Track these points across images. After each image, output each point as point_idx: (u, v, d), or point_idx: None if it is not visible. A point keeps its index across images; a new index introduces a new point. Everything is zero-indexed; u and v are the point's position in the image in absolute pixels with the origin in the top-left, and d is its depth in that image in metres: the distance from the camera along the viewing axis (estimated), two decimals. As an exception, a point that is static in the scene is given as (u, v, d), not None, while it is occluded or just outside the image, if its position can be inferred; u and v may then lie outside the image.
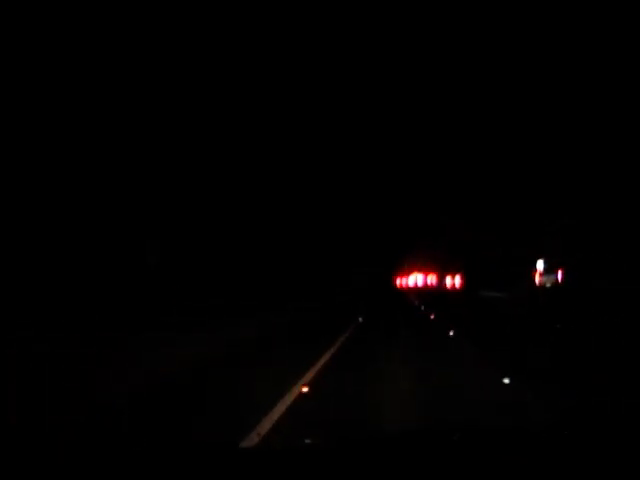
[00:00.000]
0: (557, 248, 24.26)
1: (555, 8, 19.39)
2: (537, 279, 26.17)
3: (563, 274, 23.42)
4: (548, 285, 24.74)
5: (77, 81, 12.83)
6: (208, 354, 9.54)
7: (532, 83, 23.25)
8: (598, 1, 18.84)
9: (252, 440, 4.65)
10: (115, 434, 4.98)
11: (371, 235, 56.66)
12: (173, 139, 16.98)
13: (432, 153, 38.27)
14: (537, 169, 26.48)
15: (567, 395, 6.49)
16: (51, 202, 12.73)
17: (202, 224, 19.01)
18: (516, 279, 27.33)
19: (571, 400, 6.16)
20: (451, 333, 14.22)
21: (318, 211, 35.43)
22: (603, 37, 19.12)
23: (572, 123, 22.76)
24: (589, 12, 18.85)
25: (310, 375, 7.93)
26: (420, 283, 64.46)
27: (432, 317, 20.71)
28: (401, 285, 71.02)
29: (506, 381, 7.33)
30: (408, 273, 69.93)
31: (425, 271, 62.48)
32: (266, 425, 5.17)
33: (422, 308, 27.86)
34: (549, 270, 24.95)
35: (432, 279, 59.00)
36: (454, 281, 46.09)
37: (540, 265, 26.00)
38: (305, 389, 6.88)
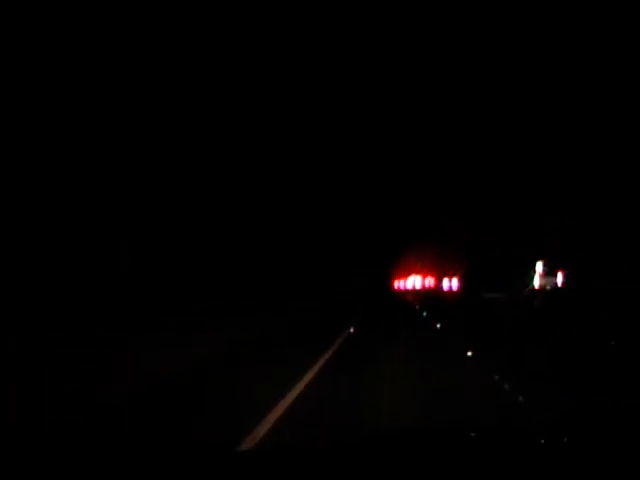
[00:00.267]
0: (557, 248, 24.22)
1: (555, 8, 19.40)
2: (537, 281, 26.10)
3: (563, 276, 23.41)
4: (548, 287, 24.69)
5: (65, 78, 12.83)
6: (208, 354, 9.54)
7: (532, 83, 23.27)
8: (598, 1, 18.85)
9: (249, 443, 4.66)
10: (115, 434, 4.98)
11: (371, 235, 56.69)
12: (175, 139, 16.99)
13: (432, 153, 38.30)
14: (537, 169, 26.49)
15: (567, 395, 6.49)
16: (50, 201, 12.73)
17: (202, 224, 19.02)
18: (515, 280, 27.28)
19: (571, 400, 6.16)
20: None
21: (318, 211, 35.44)
22: (603, 37, 19.13)
23: (572, 123, 22.76)
24: (589, 12, 18.86)
25: (310, 376, 7.96)
26: (418, 285, 64.78)
27: (425, 314, 21.38)
28: (399, 287, 71.32)
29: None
30: (407, 275, 70.30)
31: (423, 273, 62.76)
32: (265, 427, 5.19)
33: (419, 309, 28.27)
34: (549, 272, 24.92)
35: (430, 281, 59.24)
36: (451, 283, 46.26)
37: (539, 267, 25.93)
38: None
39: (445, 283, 48.88)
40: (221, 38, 18.18)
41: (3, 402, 5.64)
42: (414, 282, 67.15)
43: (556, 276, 24.00)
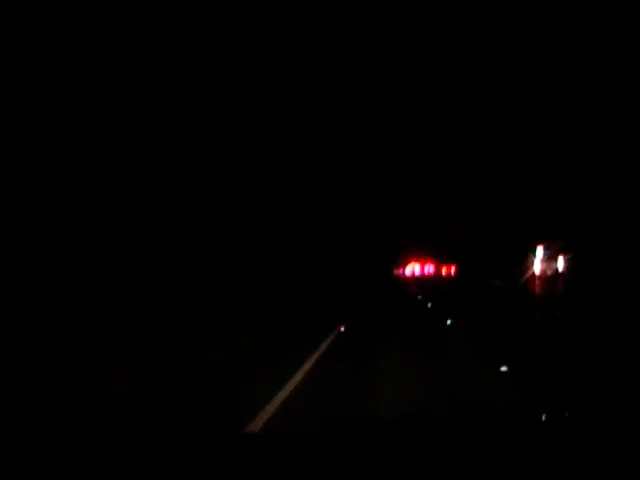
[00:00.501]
0: (558, 235, 24.03)
1: (555, 8, 19.39)
2: (537, 267, 25.73)
3: (564, 260, 23.08)
4: (549, 273, 24.35)
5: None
6: (208, 354, 9.55)
7: (532, 83, 23.26)
8: (598, 1, 18.84)
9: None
10: (115, 434, 4.98)
11: (371, 235, 56.69)
12: (174, 139, 16.99)
13: (432, 153, 38.29)
14: (537, 169, 26.48)
15: (567, 395, 6.49)
16: (50, 201, 12.73)
17: (202, 225, 19.01)
18: (512, 267, 27.19)
19: (571, 400, 6.16)
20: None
21: (318, 212, 35.44)
22: (603, 37, 19.13)
23: (572, 123, 22.76)
24: (589, 12, 18.85)
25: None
26: (417, 272, 66.13)
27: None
28: (399, 275, 72.23)
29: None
30: (405, 268, 71.54)
31: (422, 262, 63.93)
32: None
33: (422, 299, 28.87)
34: (550, 257, 24.51)
35: (429, 268, 60.30)
36: (450, 270, 47.36)
37: (540, 252, 25.56)
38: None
39: (444, 270, 49.80)
40: (221, 38, 18.18)
41: (3, 402, 5.64)
42: (413, 269, 68.60)
43: (557, 261, 23.70)
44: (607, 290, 17.38)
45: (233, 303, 17.35)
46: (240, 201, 21.92)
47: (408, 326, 17.11)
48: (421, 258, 63.81)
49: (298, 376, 7.87)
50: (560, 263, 23.17)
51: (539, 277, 24.68)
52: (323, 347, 11.35)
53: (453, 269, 44.93)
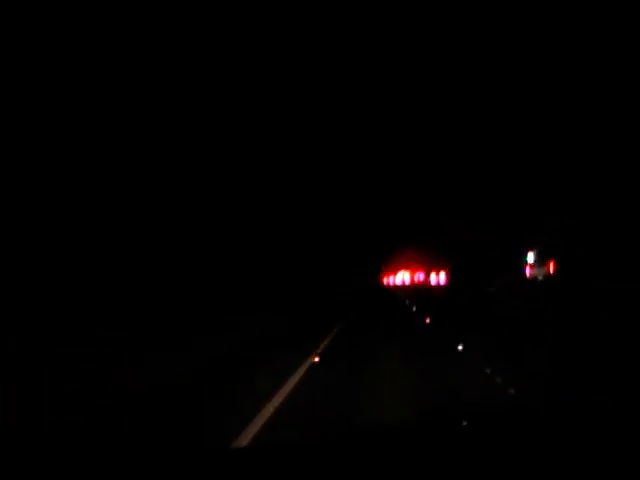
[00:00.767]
0: (549, 240, 24.01)
1: (555, 8, 19.39)
2: (528, 272, 25.74)
3: (555, 266, 23.07)
4: (540, 278, 24.33)
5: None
6: (208, 354, 9.55)
7: (532, 83, 23.26)
8: (598, 1, 18.84)
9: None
10: (115, 434, 4.98)
11: (371, 236, 56.73)
12: (174, 140, 16.99)
13: (431, 153, 38.28)
14: (537, 169, 26.47)
15: (567, 395, 6.49)
16: (51, 201, 12.73)
17: (201, 226, 19.01)
18: (508, 270, 27.19)
19: (571, 400, 6.16)
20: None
21: (318, 212, 35.45)
22: (603, 37, 19.12)
23: (572, 123, 22.75)
24: (589, 12, 18.85)
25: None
26: (407, 281, 65.87)
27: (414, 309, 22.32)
28: (394, 284, 72.27)
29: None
30: (397, 272, 71.62)
31: (413, 269, 63.59)
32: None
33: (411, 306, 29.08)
34: (540, 262, 24.48)
35: (419, 276, 60.03)
36: (439, 278, 46.85)
37: (531, 257, 25.56)
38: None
39: (432, 278, 49.55)
40: (221, 38, 18.18)
41: (3, 402, 5.64)
42: (403, 278, 68.51)
43: (548, 266, 23.67)
44: (607, 290, 17.36)
45: (233, 303, 17.36)
46: (240, 202, 21.92)
47: (407, 326, 17.12)
48: (413, 265, 63.27)
49: (297, 376, 7.87)
50: (551, 268, 23.23)
51: (530, 281, 24.76)
52: (323, 348, 11.35)
53: (444, 277, 44.53)
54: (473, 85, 26.97)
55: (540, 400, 6.16)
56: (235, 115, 20.33)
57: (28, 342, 7.85)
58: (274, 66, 21.88)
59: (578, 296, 17.91)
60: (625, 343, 11.08)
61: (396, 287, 64.31)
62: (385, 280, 76.39)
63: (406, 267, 66.63)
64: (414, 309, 26.00)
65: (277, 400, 6.27)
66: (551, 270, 23.15)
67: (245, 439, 4.77)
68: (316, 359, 9.64)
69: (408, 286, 61.23)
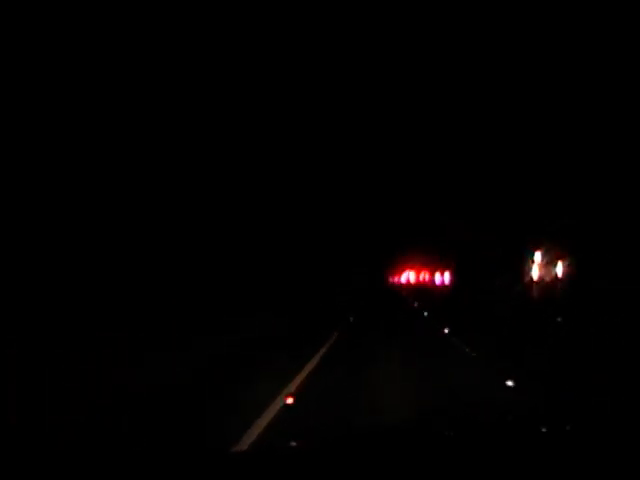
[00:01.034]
0: (557, 242, 23.87)
1: (555, 8, 19.38)
2: (535, 272, 25.47)
3: (564, 266, 22.78)
4: (547, 279, 24.09)
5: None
6: (208, 354, 9.55)
7: (531, 83, 23.24)
8: (598, 1, 18.83)
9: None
10: (115, 434, 4.98)
11: (371, 236, 56.71)
12: (173, 140, 16.99)
13: (431, 154, 38.27)
14: (537, 169, 26.45)
15: (567, 395, 6.49)
16: (51, 201, 12.73)
17: (202, 226, 19.01)
18: (510, 271, 27.08)
19: (571, 400, 6.16)
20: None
21: (318, 212, 35.44)
22: (603, 37, 19.11)
23: (572, 123, 22.74)
24: (589, 12, 18.84)
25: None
26: (413, 280, 65.96)
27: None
28: (396, 283, 72.31)
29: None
30: (402, 271, 71.63)
31: (418, 269, 63.70)
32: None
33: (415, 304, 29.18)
34: (548, 262, 24.17)
35: (424, 276, 60.13)
36: (443, 278, 46.87)
37: (538, 257, 25.27)
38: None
39: (437, 277, 49.65)
40: (221, 38, 18.18)
41: (3, 402, 5.64)
42: (408, 277, 68.61)
43: (556, 266, 23.38)
44: (607, 290, 17.37)
45: (233, 303, 17.37)
46: (241, 203, 21.93)
47: (407, 328, 17.13)
48: (416, 265, 63.48)
49: (297, 377, 7.87)
50: (559, 268, 22.97)
51: (537, 283, 24.56)
52: (323, 348, 11.34)
53: (448, 277, 44.61)
54: (473, 86, 26.97)
55: (540, 400, 6.17)
56: (235, 115, 20.33)
57: (28, 342, 7.85)
58: (275, 66, 21.88)
59: (585, 297, 17.91)
60: (625, 343, 11.09)
61: (401, 287, 64.33)
62: (390, 279, 76.30)
63: (410, 267, 66.84)
64: (425, 314, 25.25)
65: (278, 402, 6.28)
66: (559, 272, 22.97)
67: (245, 440, 4.77)
68: (316, 360, 9.64)
69: (413, 285, 61.48)
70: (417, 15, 22.52)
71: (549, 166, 25.32)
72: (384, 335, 14.50)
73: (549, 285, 23.47)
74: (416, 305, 26.96)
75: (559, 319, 15.15)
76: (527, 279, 25.45)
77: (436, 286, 47.67)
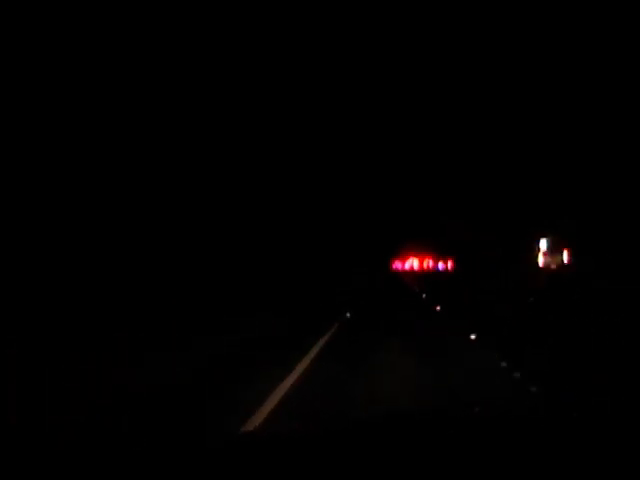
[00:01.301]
0: (562, 227, 23.70)
1: (555, 8, 19.39)
2: (541, 260, 25.04)
3: (569, 254, 22.45)
4: (553, 266, 23.69)
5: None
6: (208, 354, 9.55)
7: (531, 83, 23.26)
8: (598, 1, 18.84)
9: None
10: (115, 434, 4.98)
11: (371, 236, 56.74)
12: (173, 140, 16.99)
13: (432, 153, 38.29)
14: (537, 169, 26.48)
15: (567, 395, 6.49)
16: (51, 202, 12.74)
17: (202, 225, 19.01)
18: (511, 264, 26.95)
19: (571, 400, 6.16)
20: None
21: (318, 212, 35.46)
22: (603, 37, 19.13)
23: (572, 124, 22.76)
24: (589, 12, 18.86)
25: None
26: (416, 267, 67.03)
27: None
28: (400, 270, 72.71)
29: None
30: (405, 260, 72.58)
31: (421, 259, 64.84)
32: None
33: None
34: (554, 250, 23.74)
35: (428, 263, 61.07)
36: (446, 265, 47.82)
37: (544, 245, 24.82)
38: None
39: (440, 265, 50.27)
40: (221, 38, 18.19)
41: (3, 402, 5.64)
42: (412, 264, 69.58)
43: (562, 254, 23.01)
44: (607, 290, 17.38)
45: (233, 303, 17.36)
46: (240, 202, 21.93)
47: (408, 326, 17.12)
48: (420, 254, 64.71)
49: (297, 375, 7.87)
50: (565, 256, 22.57)
51: (543, 270, 24.12)
52: (323, 348, 11.33)
53: (450, 264, 45.35)
54: (473, 86, 26.99)
55: (540, 400, 6.16)
56: (235, 115, 20.34)
57: (28, 342, 7.85)
58: (275, 66, 21.90)
59: (585, 297, 17.87)
60: (625, 343, 11.09)
61: (405, 275, 64.70)
62: (393, 269, 76.91)
63: (414, 255, 67.85)
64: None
65: (276, 401, 6.28)
66: (565, 259, 22.61)
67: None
68: (317, 358, 9.64)
69: (417, 272, 62.13)
70: (417, 15, 22.53)
71: (549, 166, 25.33)
72: (383, 334, 14.49)
73: (555, 272, 23.17)
74: (424, 295, 27.03)
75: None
76: (532, 267, 25.12)
77: (440, 271, 48.45)
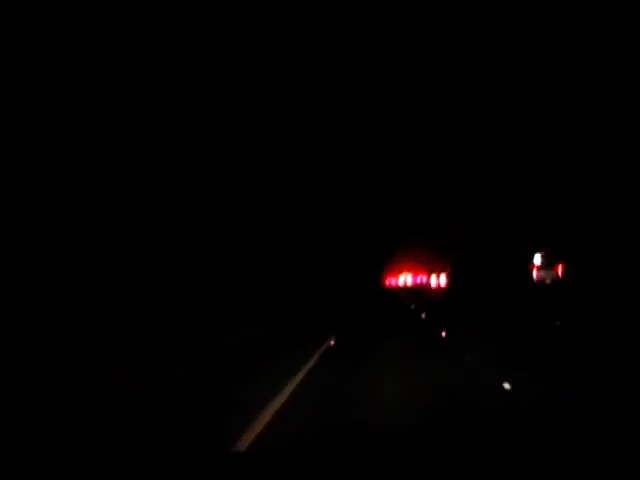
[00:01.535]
0: (557, 243, 23.74)
1: (555, 8, 19.39)
2: (535, 274, 25.25)
3: (563, 268, 22.55)
4: (548, 281, 23.83)
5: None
6: (208, 354, 9.55)
7: (531, 83, 23.26)
8: (598, 1, 18.84)
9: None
10: (115, 434, 4.98)
11: (371, 236, 56.77)
12: (173, 140, 16.99)
13: (432, 153, 38.30)
14: (537, 169, 26.47)
15: (567, 395, 6.49)
16: (52, 202, 12.74)
17: (202, 226, 19.00)
18: (509, 273, 27.01)
19: (571, 400, 6.16)
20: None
21: (319, 213, 35.46)
22: (603, 37, 19.12)
23: (572, 123, 22.75)
24: (589, 12, 18.85)
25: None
26: (410, 282, 66.23)
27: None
28: (393, 285, 72.69)
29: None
30: (399, 273, 72.09)
31: (415, 271, 63.96)
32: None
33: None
34: (548, 265, 23.89)
35: (422, 278, 60.35)
36: (439, 280, 46.75)
37: (537, 259, 25.02)
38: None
39: (433, 280, 49.66)
40: (221, 38, 18.18)
41: (3, 402, 5.64)
42: (405, 280, 68.94)
43: (556, 268, 23.10)
44: (607, 290, 17.37)
45: (233, 303, 17.37)
46: (241, 203, 21.93)
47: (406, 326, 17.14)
48: (414, 267, 63.59)
49: (297, 377, 7.86)
50: (560, 270, 22.74)
51: (537, 284, 24.36)
52: (323, 349, 11.34)
53: (444, 280, 44.39)
54: (473, 85, 26.98)
55: (540, 400, 6.16)
56: (235, 115, 20.33)
57: (28, 342, 7.85)
58: (275, 66, 21.89)
59: (585, 297, 17.86)
60: (625, 343, 11.09)
61: (399, 289, 64.57)
62: (387, 282, 76.80)
63: (408, 269, 67.10)
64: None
65: (279, 401, 6.27)
66: (560, 273, 22.73)
67: (245, 440, 4.77)
68: (317, 358, 9.65)
69: (410, 288, 61.65)
70: (417, 15, 22.52)
71: (549, 166, 25.33)
72: (383, 334, 14.50)
73: (549, 287, 23.33)
74: (413, 307, 27.24)
75: (558, 323, 15.15)
76: (526, 281, 25.28)
77: (432, 288, 47.78)
